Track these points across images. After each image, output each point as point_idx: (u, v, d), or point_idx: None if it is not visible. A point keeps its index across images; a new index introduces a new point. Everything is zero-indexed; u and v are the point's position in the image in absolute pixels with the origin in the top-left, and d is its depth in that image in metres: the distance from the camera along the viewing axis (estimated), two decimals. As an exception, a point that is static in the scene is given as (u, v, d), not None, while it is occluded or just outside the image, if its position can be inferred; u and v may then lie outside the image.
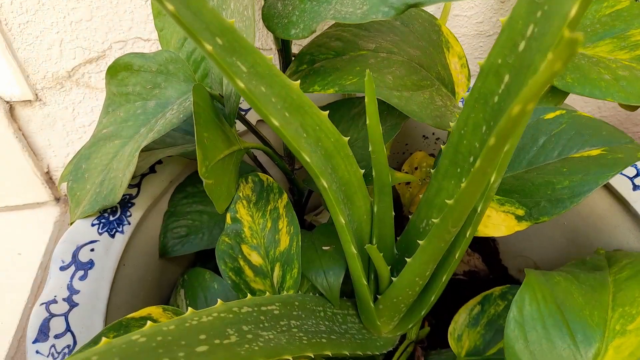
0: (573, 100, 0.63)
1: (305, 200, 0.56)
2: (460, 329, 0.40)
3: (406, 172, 0.58)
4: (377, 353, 0.40)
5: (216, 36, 0.25)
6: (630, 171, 0.42)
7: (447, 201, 0.27)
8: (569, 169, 0.38)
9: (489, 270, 0.59)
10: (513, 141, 0.29)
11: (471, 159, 0.33)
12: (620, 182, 0.42)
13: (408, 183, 0.57)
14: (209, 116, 0.35)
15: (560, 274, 0.35)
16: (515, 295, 0.33)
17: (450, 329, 0.41)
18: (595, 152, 0.38)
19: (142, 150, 0.46)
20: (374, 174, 0.37)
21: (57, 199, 0.75)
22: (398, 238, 0.42)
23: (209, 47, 0.24)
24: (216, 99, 0.40)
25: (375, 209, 0.39)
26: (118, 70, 0.40)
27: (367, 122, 0.34)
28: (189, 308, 0.26)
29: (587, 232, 0.46)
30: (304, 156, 0.31)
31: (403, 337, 0.46)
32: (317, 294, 0.42)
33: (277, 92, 0.30)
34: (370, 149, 0.35)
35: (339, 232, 0.36)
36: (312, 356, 0.30)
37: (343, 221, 0.35)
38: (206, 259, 0.51)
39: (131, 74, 0.40)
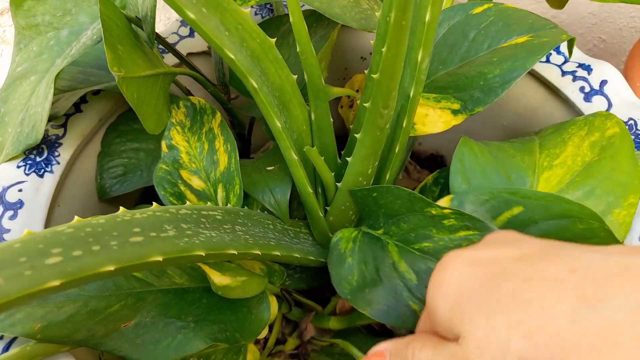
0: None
1: (248, 134, 0.55)
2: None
3: (348, 97, 0.57)
4: (331, 262, 0.40)
5: None
6: (558, 59, 0.43)
7: (373, 75, 0.27)
8: (499, 58, 0.38)
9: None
10: (434, 11, 0.28)
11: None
12: (550, 71, 0.43)
13: (351, 106, 0.57)
14: (122, 32, 0.33)
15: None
16: (454, 151, 0.36)
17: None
18: (522, 39, 0.39)
19: (64, 91, 0.43)
20: (305, 77, 0.36)
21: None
22: (342, 152, 0.42)
23: None
24: (133, 21, 0.38)
25: (312, 117, 0.38)
26: (23, 0, 0.37)
27: (291, 20, 0.33)
28: (121, 207, 0.25)
29: (525, 126, 0.47)
30: (228, 54, 0.29)
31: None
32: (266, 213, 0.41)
33: (189, -15, 0.29)
34: (298, 49, 0.34)
35: (277, 137, 0.35)
36: (260, 253, 0.30)
37: (279, 125, 0.34)
38: (152, 198, 0.49)
39: (38, 2, 0.37)
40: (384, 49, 0.25)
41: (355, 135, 0.33)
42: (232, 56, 0.30)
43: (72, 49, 0.36)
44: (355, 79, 0.56)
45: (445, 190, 0.41)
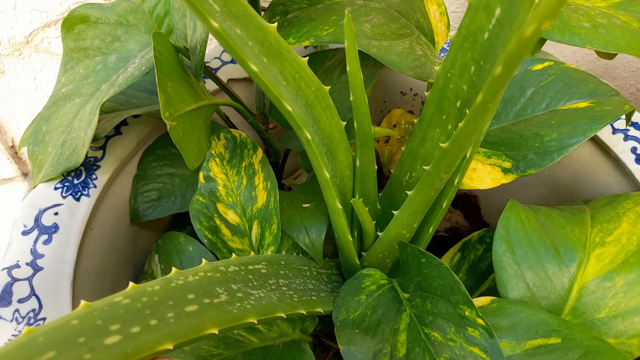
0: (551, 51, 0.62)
1: (282, 163, 0.54)
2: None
3: (383, 130, 0.56)
4: (364, 309, 0.39)
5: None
6: (621, 123, 0.42)
7: (442, 145, 0.26)
8: (557, 121, 0.37)
9: (471, 227, 0.59)
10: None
11: (458, 103, 0.32)
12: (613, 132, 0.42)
13: (387, 141, 0.56)
14: (172, 66, 0.32)
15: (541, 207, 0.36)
16: (500, 216, 0.34)
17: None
18: (583, 104, 0.37)
19: (106, 112, 0.43)
20: (355, 124, 0.35)
21: (25, 175, 0.70)
22: (380, 194, 0.41)
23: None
24: (181, 51, 0.37)
25: (357, 163, 0.37)
26: (74, 24, 0.37)
27: (348, 68, 0.32)
28: (173, 268, 0.24)
29: (568, 180, 0.46)
30: (286, 105, 0.29)
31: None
32: (299, 254, 0.40)
33: (253, 35, 0.28)
34: (351, 97, 0.33)
35: (323, 187, 0.34)
36: (305, 313, 0.29)
37: (327, 175, 0.33)
38: (181, 224, 0.48)
39: (88, 26, 0.37)
40: (461, 124, 0.24)
41: (407, 192, 0.32)
42: (289, 108, 0.29)
43: (119, 77, 0.36)
44: (394, 113, 0.55)
45: (489, 252, 0.40)
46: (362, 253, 0.40)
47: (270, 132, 0.49)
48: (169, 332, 0.20)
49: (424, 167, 0.28)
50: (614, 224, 0.34)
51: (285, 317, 0.26)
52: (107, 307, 0.19)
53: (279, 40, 0.29)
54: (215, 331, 0.22)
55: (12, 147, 0.67)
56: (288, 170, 0.60)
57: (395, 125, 0.55)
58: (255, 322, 0.24)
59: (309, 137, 0.30)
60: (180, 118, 0.32)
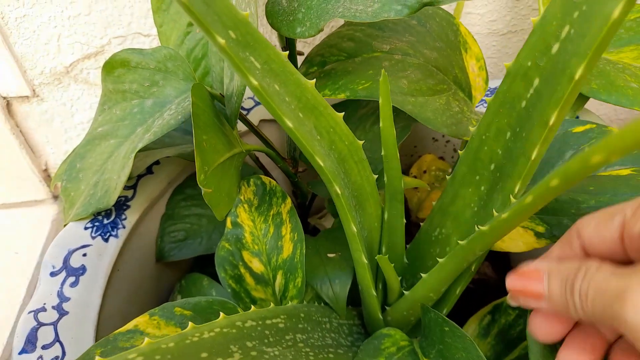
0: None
1: (309, 204, 0.54)
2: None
3: (414, 176, 0.56)
4: (384, 368, 0.38)
5: (229, 29, 0.23)
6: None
7: (481, 227, 0.25)
8: (597, 187, 0.36)
9: (499, 278, 0.57)
10: (541, 150, 0.27)
11: (492, 166, 0.31)
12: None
13: (416, 187, 0.55)
14: (208, 118, 0.32)
15: None
16: None
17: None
18: (625, 171, 0.36)
19: (139, 151, 0.44)
20: (385, 179, 0.35)
21: (55, 197, 0.72)
22: (408, 246, 0.40)
23: (221, 41, 0.22)
24: (217, 98, 0.38)
25: (386, 216, 0.37)
26: (115, 67, 0.38)
27: (381, 125, 0.32)
28: (190, 323, 0.24)
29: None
30: (318, 160, 0.29)
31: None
32: (321, 303, 0.40)
33: (291, 91, 0.28)
34: (382, 153, 0.33)
35: (350, 240, 0.34)
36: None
37: (355, 229, 0.33)
38: (204, 264, 0.48)
39: (128, 70, 0.38)
40: (504, 215, 0.23)
41: (437, 259, 0.31)
42: (321, 163, 0.29)
43: (155, 121, 0.36)
44: (424, 159, 0.55)
45: (521, 318, 0.38)
46: (386, 307, 0.39)
47: (299, 176, 0.49)
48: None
49: (460, 242, 0.28)
50: None
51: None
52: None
53: (315, 95, 0.29)
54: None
55: (45, 170, 0.69)
56: (314, 208, 0.60)
57: (425, 171, 0.54)
58: (270, 388, 0.23)
59: (339, 191, 0.30)
60: (213, 172, 0.33)
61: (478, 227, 0.25)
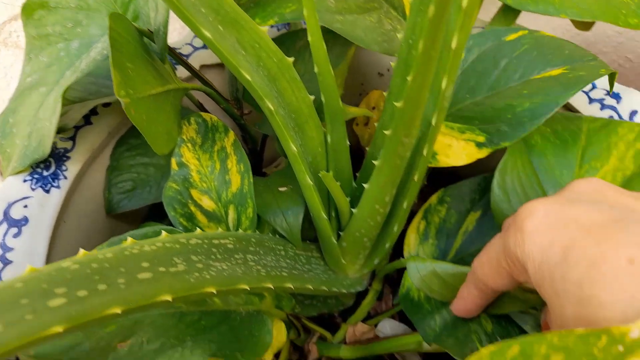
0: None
1: (260, 149, 0.54)
2: (414, 249, 0.39)
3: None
4: (344, 290, 0.39)
5: None
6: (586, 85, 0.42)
7: (395, 103, 0.25)
8: (530, 90, 0.36)
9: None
10: (461, 38, 0.27)
11: (422, 68, 0.31)
12: (576, 97, 0.42)
13: (367, 124, 0.55)
14: (133, 49, 0.32)
15: (540, 129, 0.37)
16: (499, 164, 0.36)
17: (405, 253, 0.39)
18: (556, 71, 0.37)
19: (74, 102, 0.42)
20: (323, 98, 0.35)
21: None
22: (357, 174, 0.40)
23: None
24: (146, 35, 0.37)
25: (329, 139, 0.37)
26: (33, 9, 0.36)
27: (309, 39, 0.31)
28: (128, 237, 0.24)
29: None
30: (244, 74, 0.28)
31: (374, 278, 0.45)
32: (276, 236, 0.40)
33: (207, 3, 0.27)
34: (315, 69, 0.33)
35: (292, 161, 0.34)
36: (272, 287, 0.28)
37: (295, 149, 0.32)
38: (160, 215, 0.48)
39: (49, 12, 0.36)
40: (409, 78, 0.24)
41: (373, 161, 0.32)
42: (248, 77, 0.28)
43: (82, 62, 0.35)
44: (372, 95, 0.55)
45: (452, 209, 0.39)
46: (340, 233, 0.39)
47: (245, 119, 0.49)
48: (119, 297, 0.19)
49: (384, 131, 0.28)
50: (602, 161, 0.34)
51: (249, 289, 0.25)
52: (54, 272, 0.19)
53: (235, 8, 0.29)
54: (169, 298, 0.21)
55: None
56: (268, 159, 0.60)
57: (374, 108, 0.54)
58: (214, 292, 0.23)
59: (272, 107, 0.30)
60: (144, 101, 0.32)
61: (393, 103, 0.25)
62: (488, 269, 0.27)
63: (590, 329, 0.16)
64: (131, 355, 0.27)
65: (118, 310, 0.19)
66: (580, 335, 0.16)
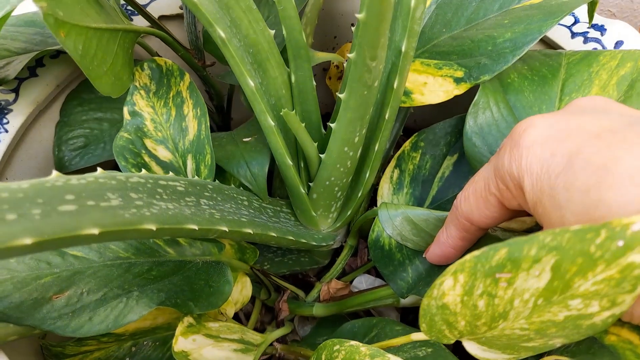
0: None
1: (227, 107, 0.50)
2: (388, 200, 0.37)
3: (336, 67, 0.53)
4: (314, 243, 0.36)
5: None
6: (568, 20, 0.39)
7: (357, 15, 0.22)
8: (511, 20, 0.34)
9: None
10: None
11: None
12: (558, 33, 0.39)
13: (339, 78, 0.52)
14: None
15: (517, 67, 0.34)
16: (470, 108, 0.33)
17: (379, 204, 0.37)
18: (537, 0, 0.34)
19: (19, 53, 0.39)
20: (284, 32, 0.32)
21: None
22: (328, 123, 0.37)
23: None
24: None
25: (293, 79, 0.34)
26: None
27: (266, -38, 0.28)
28: (54, 171, 0.21)
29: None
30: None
31: (349, 234, 0.42)
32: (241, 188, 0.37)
33: None
34: (274, -2, 0.30)
35: (250, 100, 0.31)
36: (227, 230, 0.25)
37: (252, 84, 0.30)
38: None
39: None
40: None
41: (339, 96, 0.29)
42: (194, -1, 0.25)
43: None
44: (346, 47, 0.52)
45: (426, 155, 0.37)
46: (310, 185, 0.36)
47: (208, 71, 0.45)
48: (30, 227, 0.17)
49: (349, 54, 0.25)
50: (583, 93, 0.32)
51: (197, 229, 0.23)
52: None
53: None
54: (95, 232, 0.18)
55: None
56: (237, 120, 0.57)
57: (347, 60, 0.51)
58: (154, 229, 0.20)
59: (223, 35, 0.27)
60: (80, 31, 0.28)
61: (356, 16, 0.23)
62: (474, 200, 0.24)
63: (587, 224, 0.14)
64: (69, 307, 0.24)
65: (28, 241, 0.17)
66: (576, 231, 0.14)
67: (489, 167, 0.24)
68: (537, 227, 0.29)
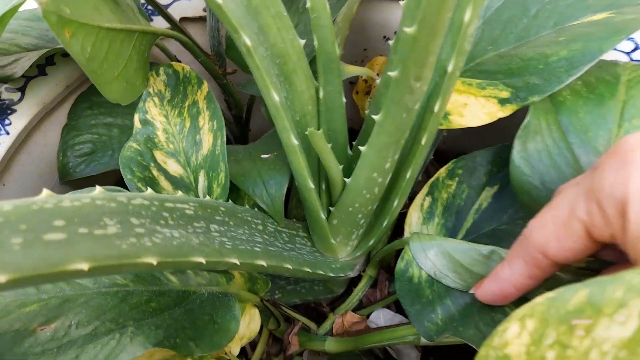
0: None
1: (246, 118, 0.48)
2: (417, 229, 0.34)
3: (365, 81, 0.50)
4: (332, 274, 0.33)
5: None
6: (628, 46, 0.36)
7: (406, 29, 0.19)
8: (567, 37, 0.30)
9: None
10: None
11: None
12: (617, 59, 0.36)
13: (368, 92, 0.49)
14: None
15: (570, 84, 0.30)
16: (519, 131, 0.29)
17: (406, 234, 0.34)
18: (599, 16, 0.31)
19: (29, 49, 0.37)
20: (315, 43, 0.29)
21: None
22: (354, 143, 0.34)
23: None
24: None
25: (321, 95, 0.31)
26: None
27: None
28: (44, 190, 0.18)
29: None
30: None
31: (369, 263, 0.39)
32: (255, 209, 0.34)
33: None
34: (308, 4, 0.27)
35: (273, 115, 0.28)
36: (239, 263, 0.22)
37: (277, 98, 0.27)
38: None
39: None
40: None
41: (372, 117, 0.26)
42: (218, 0, 0.22)
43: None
44: (376, 61, 0.49)
45: (463, 184, 0.33)
46: (331, 209, 0.33)
47: (229, 79, 0.43)
48: (7, 261, 0.14)
49: (389, 73, 0.22)
50: None
51: (205, 263, 0.20)
52: None
53: None
54: (84, 267, 0.15)
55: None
56: (256, 132, 0.54)
57: (378, 74, 0.48)
58: (154, 263, 0.17)
59: (249, 42, 0.24)
60: (90, 30, 0.26)
61: (404, 30, 0.20)
62: (553, 227, 0.21)
63: None
64: (54, 341, 0.21)
65: (2, 279, 0.14)
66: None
67: (577, 189, 0.20)
68: (595, 266, 0.25)
